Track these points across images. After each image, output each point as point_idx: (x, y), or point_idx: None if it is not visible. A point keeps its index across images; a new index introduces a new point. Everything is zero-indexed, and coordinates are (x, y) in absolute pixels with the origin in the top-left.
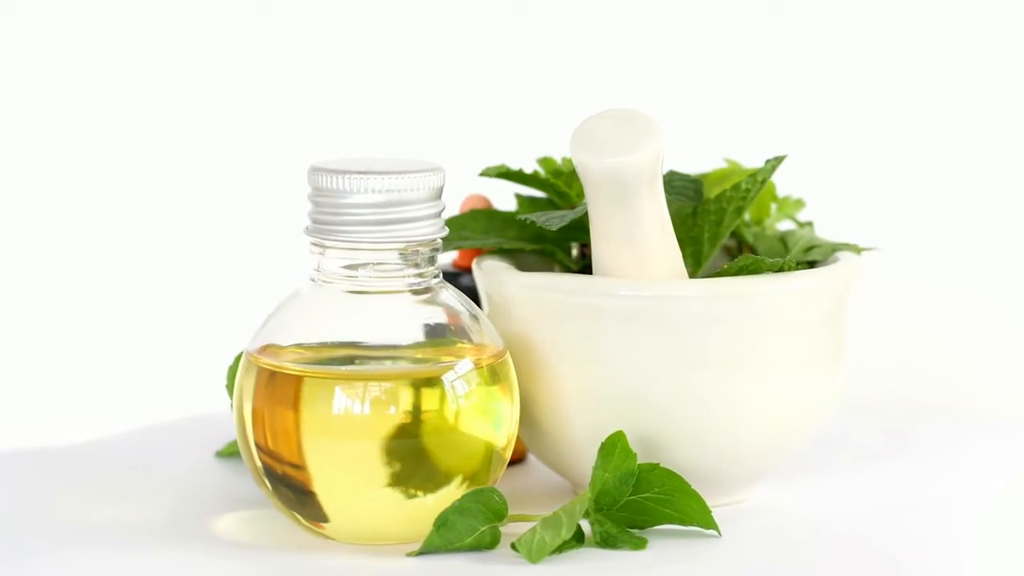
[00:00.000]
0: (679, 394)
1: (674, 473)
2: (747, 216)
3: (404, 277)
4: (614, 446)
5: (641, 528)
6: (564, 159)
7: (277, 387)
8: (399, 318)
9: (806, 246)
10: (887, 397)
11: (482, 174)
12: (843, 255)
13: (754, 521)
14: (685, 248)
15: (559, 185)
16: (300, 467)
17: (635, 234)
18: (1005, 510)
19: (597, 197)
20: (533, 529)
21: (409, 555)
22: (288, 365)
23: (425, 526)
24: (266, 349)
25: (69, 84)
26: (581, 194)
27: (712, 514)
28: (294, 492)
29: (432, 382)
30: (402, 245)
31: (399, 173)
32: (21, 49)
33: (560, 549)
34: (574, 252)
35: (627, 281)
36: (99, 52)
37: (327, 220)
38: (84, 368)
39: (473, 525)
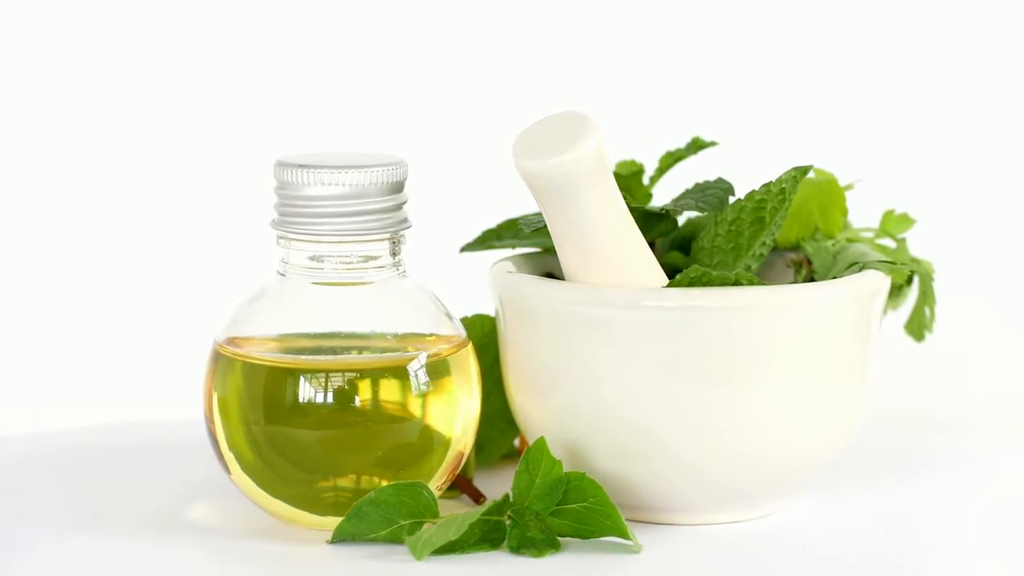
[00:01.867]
0: (665, 405)
1: (598, 484)
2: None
3: (366, 269)
4: (540, 453)
5: (585, 538)
6: (620, 163)
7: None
8: (360, 309)
9: (851, 261)
10: (910, 415)
11: None
12: (868, 271)
13: (696, 539)
14: (711, 258)
15: None
16: (212, 421)
17: (588, 235)
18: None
19: (546, 202)
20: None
21: (327, 542)
22: (228, 346)
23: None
24: (226, 339)
25: (40, 78)
26: (643, 195)
27: (627, 528)
28: (214, 442)
29: (342, 373)
30: (364, 237)
31: (359, 167)
32: None
33: (463, 550)
34: None
35: (596, 288)
36: (70, 47)
37: (291, 213)
38: (71, 362)
39: (390, 518)
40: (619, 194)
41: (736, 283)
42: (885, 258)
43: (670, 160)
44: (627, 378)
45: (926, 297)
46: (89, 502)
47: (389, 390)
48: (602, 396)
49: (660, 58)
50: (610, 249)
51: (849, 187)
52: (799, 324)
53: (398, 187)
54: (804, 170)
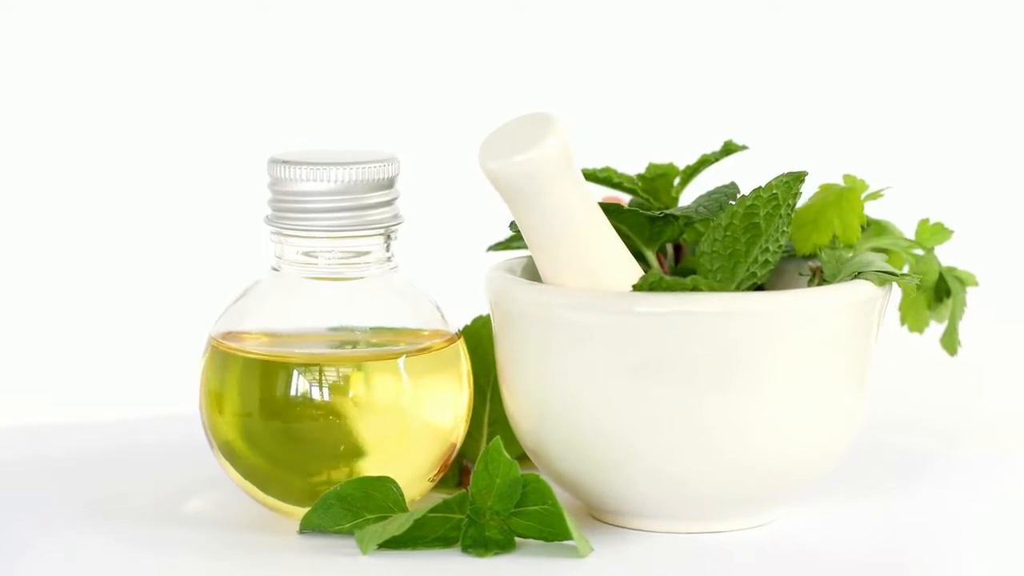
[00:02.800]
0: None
1: (548, 486)
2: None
3: (359, 264)
4: (498, 454)
5: (548, 540)
6: (651, 166)
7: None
8: (352, 304)
9: (852, 271)
10: (911, 420)
11: None
12: (854, 281)
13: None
14: (711, 263)
15: (636, 187)
16: (207, 415)
17: (556, 236)
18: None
19: (513, 202)
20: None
21: (298, 532)
22: (222, 340)
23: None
24: (221, 334)
25: (37, 77)
26: (671, 199)
27: (574, 530)
28: (210, 436)
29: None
30: (356, 233)
31: (351, 164)
32: None
33: (416, 546)
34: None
35: (570, 292)
36: (67, 45)
37: (284, 209)
38: (68, 358)
39: (356, 511)
40: (588, 194)
41: (695, 288)
42: (887, 268)
43: (698, 164)
44: (605, 384)
45: (955, 311)
46: (86, 497)
47: (380, 383)
48: (579, 401)
49: (707, 61)
50: (580, 250)
51: (878, 195)
52: (766, 333)
53: (389, 183)
54: (798, 176)
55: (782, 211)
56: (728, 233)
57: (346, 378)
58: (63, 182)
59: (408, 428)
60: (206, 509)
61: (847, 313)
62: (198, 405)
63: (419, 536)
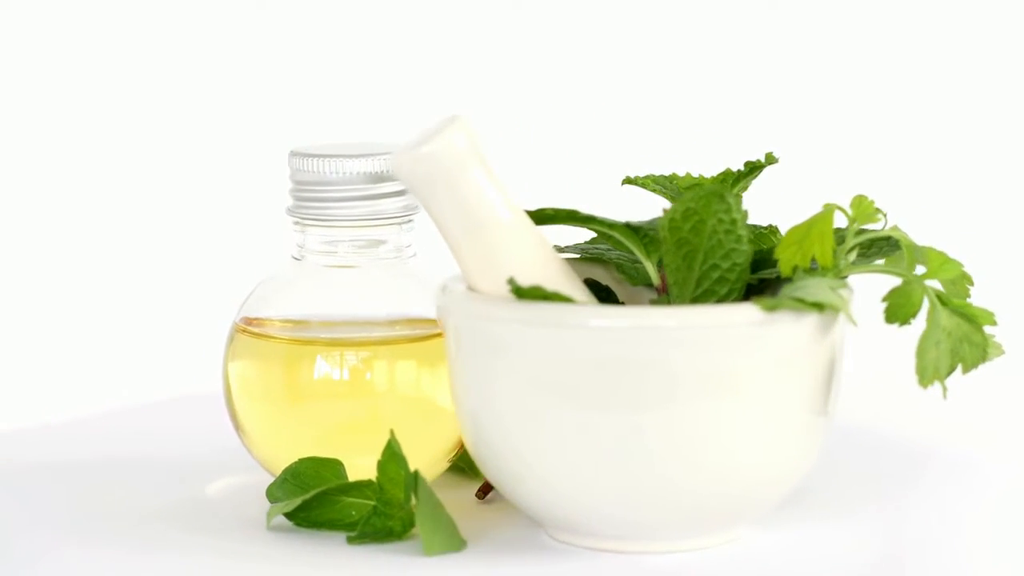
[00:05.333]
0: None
1: (426, 484)
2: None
3: (377, 252)
4: (395, 448)
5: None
6: (686, 176)
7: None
8: (371, 291)
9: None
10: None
11: (624, 182)
12: (737, 304)
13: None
14: (671, 276)
15: (666, 194)
16: (232, 399)
17: (461, 232)
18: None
19: (421, 197)
20: None
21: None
22: (246, 327)
23: None
24: (244, 320)
25: (60, 72)
26: None
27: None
28: (234, 421)
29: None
30: (375, 222)
31: (370, 155)
32: None
33: (319, 525)
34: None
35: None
36: (82, 40)
37: (305, 199)
38: (87, 348)
39: (305, 488)
40: (504, 194)
41: (545, 298)
42: (806, 295)
43: (723, 176)
44: (530, 400)
45: (944, 348)
46: (108, 481)
47: (401, 369)
48: (503, 417)
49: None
50: (488, 250)
51: (874, 218)
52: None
53: None
54: (715, 192)
55: (711, 227)
56: (667, 247)
57: (366, 363)
58: (86, 177)
59: (427, 411)
60: (231, 491)
61: (727, 332)
62: (223, 391)
63: (335, 519)
